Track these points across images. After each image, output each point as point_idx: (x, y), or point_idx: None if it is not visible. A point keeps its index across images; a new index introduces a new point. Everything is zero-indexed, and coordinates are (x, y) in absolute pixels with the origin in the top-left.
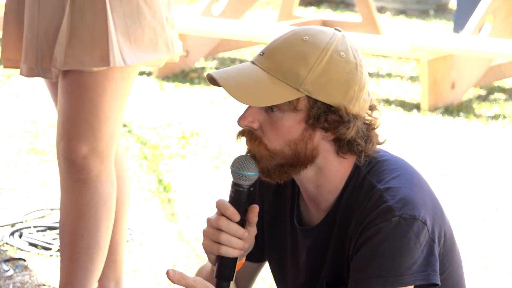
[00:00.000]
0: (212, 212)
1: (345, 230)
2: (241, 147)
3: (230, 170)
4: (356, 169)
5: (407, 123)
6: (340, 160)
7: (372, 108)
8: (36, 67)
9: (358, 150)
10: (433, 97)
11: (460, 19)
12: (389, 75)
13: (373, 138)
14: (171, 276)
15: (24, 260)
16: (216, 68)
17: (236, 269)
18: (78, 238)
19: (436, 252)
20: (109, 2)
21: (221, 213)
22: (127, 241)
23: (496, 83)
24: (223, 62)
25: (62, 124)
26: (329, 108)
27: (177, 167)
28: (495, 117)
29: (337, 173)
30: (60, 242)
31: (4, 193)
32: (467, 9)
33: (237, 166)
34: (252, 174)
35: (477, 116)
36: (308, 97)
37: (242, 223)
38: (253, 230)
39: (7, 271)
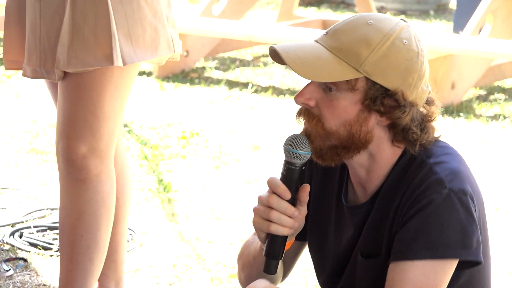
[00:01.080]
0: (213, 212)
1: (388, 202)
2: (240, 147)
3: (283, 148)
4: (405, 152)
5: None
6: (394, 148)
7: (430, 102)
8: (40, 69)
9: (413, 139)
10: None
11: (460, 19)
12: None
13: (429, 129)
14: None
15: (25, 260)
16: (216, 69)
17: (286, 249)
18: (77, 238)
19: (478, 230)
20: (111, 2)
21: (272, 191)
22: (128, 241)
23: (496, 83)
24: (223, 62)
25: (61, 123)
26: (386, 92)
27: (177, 167)
28: (495, 117)
29: (389, 161)
30: (60, 242)
31: (4, 193)
32: (467, 9)
33: (291, 144)
34: (305, 152)
35: (477, 116)
36: (367, 79)
37: (293, 202)
38: (304, 210)
39: (7, 271)
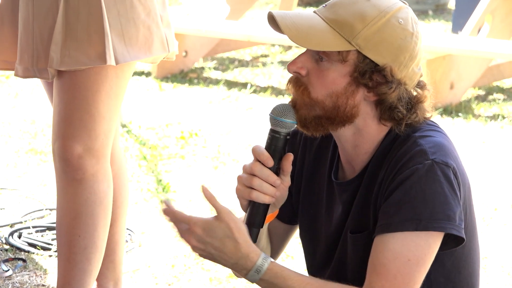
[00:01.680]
0: (212, 212)
1: (374, 178)
2: (239, 148)
3: (269, 117)
4: (391, 129)
5: None
6: (380, 126)
7: (422, 86)
8: (32, 68)
9: (398, 118)
10: (432, 97)
11: (459, 20)
12: None
13: (417, 110)
14: (204, 190)
15: (24, 260)
16: (215, 69)
17: (268, 221)
18: (75, 238)
19: (461, 207)
20: (104, 1)
21: (256, 159)
22: (126, 241)
23: (495, 84)
24: (222, 63)
25: (57, 123)
26: (375, 67)
27: (176, 168)
28: (494, 117)
29: (375, 136)
30: (57, 242)
31: (3, 193)
32: (466, 9)
33: (276, 112)
34: (290, 121)
35: (476, 116)
36: (358, 52)
37: (276, 171)
38: (287, 180)
39: (6, 271)
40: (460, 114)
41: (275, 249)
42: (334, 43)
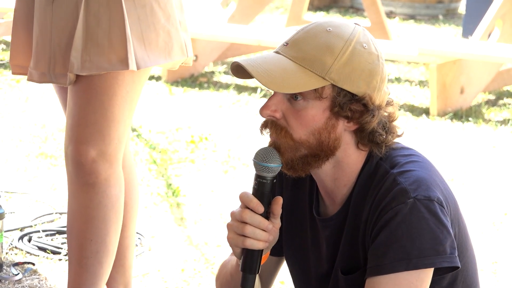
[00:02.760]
0: (222, 216)
1: (358, 216)
2: (249, 152)
3: (252, 162)
4: (369, 158)
5: (416, 128)
6: (359, 152)
7: (389, 103)
8: (49, 73)
9: (380, 141)
10: (442, 102)
11: (469, 24)
12: (398, 79)
13: (392, 130)
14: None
15: (33, 264)
16: (225, 73)
17: (262, 263)
18: (86, 242)
19: (452, 233)
20: (125, 6)
21: (245, 206)
22: (136, 245)
23: (505, 88)
24: None
25: (70, 127)
26: (353, 97)
27: (186, 172)
28: (504, 122)
29: (354, 166)
30: (68, 246)
31: (13, 197)
32: (476, 14)
33: (260, 158)
34: (275, 165)
35: (486, 121)
36: (333, 86)
37: (266, 215)
38: (278, 223)
39: (16, 275)
40: (470, 118)
41: (266, 283)
42: (310, 82)
